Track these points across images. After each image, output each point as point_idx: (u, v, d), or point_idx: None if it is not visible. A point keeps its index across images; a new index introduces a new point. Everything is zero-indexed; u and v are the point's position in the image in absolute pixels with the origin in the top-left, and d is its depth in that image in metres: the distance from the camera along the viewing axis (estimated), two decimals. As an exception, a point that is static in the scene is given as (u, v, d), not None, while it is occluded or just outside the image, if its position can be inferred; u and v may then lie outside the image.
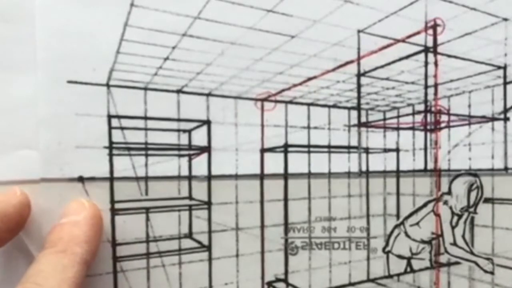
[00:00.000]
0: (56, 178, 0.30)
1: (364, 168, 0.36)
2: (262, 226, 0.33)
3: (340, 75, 0.35)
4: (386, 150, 0.36)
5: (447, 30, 0.37)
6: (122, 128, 0.31)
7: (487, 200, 0.38)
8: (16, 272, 0.29)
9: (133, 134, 0.31)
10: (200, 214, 0.33)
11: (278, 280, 0.34)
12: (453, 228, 0.38)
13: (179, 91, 0.32)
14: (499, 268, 0.38)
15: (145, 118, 0.31)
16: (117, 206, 0.31)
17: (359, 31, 0.35)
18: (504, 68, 0.38)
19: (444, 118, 0.37)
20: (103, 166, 0.31)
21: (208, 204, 0.33)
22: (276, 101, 0.34)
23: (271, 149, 0.34)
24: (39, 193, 0.30)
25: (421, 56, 0.36)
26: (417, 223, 0.37)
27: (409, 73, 0.36)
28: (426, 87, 0.37)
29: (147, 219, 0.32)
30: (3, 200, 0.28)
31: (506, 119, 0.38)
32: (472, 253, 0.37)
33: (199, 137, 0.32)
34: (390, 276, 0.37)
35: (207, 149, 0.32)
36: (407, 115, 0.37)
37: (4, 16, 0.29)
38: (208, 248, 0.33)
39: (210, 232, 0.33)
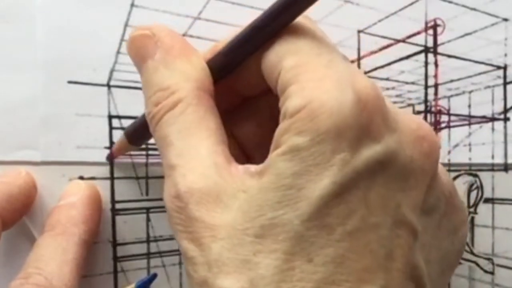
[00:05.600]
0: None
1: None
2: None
3: (340, 75, 0.35)
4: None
5: (447, 30, 0.37)
6: (122, 129, 0.31)
7: (487, 200, 0.38)
8: (19, 256, 0.29)
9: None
10: (201, 214, 0.33)
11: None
12: (453, 228, 0.38)
13: (179, 91, 0.32)
14: (499, 268, 0.38)
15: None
16: (117, 206, 0.31)
17: (359, 31, 0.35)
18: (504, 68, 0.38)
19: (444, 118, 0.37)
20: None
21: (209, 204, 0.32)
22: (276, 101, 0.34)
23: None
24: (41, 177, 0.30)
25: (421, 56, 0.36)
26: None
27: (409, 73, 0.36)
28: (426, 87, 0.37)
29: (148, 219, 0.32)
30: (8, 181, 0.28)
31: (506, 119, 0.38)
32: (472, 253, 0.37)
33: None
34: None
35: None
36: (407, 115, 0.37)
37: (4, 16, 0.29)
38: (209, 248, 0.33)
39: (210, 232, 0.33)
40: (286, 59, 0.20)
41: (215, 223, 0.19)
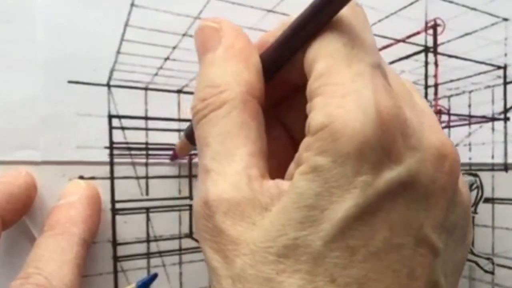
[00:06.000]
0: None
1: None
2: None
3: (340, 75, 0.35)
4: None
5: (447, 30, 0.37)
6: (122, 128, 0.31)
7: (487, 200, 0.38)
8: (19, 256, 0.29)
9: (133, 134, 0.31)
10: (201, 214, 0.33)
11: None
12: (453, 228, 0.38)
13: (179, 91, 0.32)
14: (499, 268, 0.38)
15: (146, 118, 0.31)
16: (117, 206, 0.31)
17: (359, 31, 0.35)
18: (504, 68, 0.38)
19: (444, 118, 0.37)
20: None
21: (209, 204, 0.32)
22: (277, 101, 0.34)
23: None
24: (41, 177, 0.30)
25: (421, 56, 0.36)
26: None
27: (409, 73, 0.36)
28: (426, 87, 0.37)
29: (148, 219, 0.32)
30: (8, 181, 0.28)
31: (506, 119, 0.38)
32: (472, 253, 0.37)
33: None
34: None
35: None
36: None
37: (4, 16, 0.29)
38: (209, 248, 0.33)
39: (210, 232, 0.33)
40: (318, 62, 0.20)
41: (239, 238, 0.19)
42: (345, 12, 0.20)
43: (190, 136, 0.28)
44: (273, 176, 0.21)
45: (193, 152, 0.32)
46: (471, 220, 0.23)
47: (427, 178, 0.19)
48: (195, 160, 0.32)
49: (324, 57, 0.20)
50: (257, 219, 0.19)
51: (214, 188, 0.20)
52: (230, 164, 0.20)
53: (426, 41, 0.36)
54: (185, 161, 0.32)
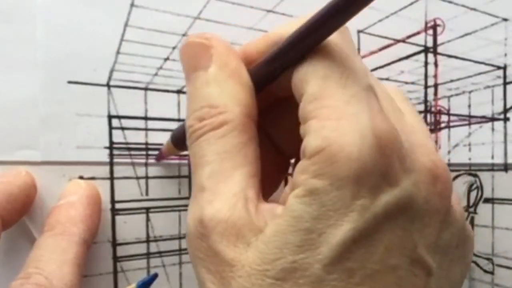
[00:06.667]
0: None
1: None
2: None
3: (340, 75, 0.35)
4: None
5: (447, 30, 0.37)
6: (122, 128, 0.31)
7: (487, 200, 0.38)
8: (19, 256, 0.29)
9: (133, 134, 0.31)
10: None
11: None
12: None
13: (179, 92, 0.32)
14: (499, 268, 0.38)
15: (146, 118, 0.31)
16: (117, 206, 0.31)
17: (359, 31, 0.35)
18: (504, 68, 0.38)
19: (444, 118, 0.37)
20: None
21: (208, 204, 0.32)
22: (276, 101, 0.34)
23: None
24: (41, 177, 0.30)
25: (421, 56, 0.36)
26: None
27: (409, 73, 0.36)
28: (426, 87, 0.37)
29: (148, 219, 0.32)
30: (7, 181, 0.28)
31: (506, 119, 0.38)
32: (472, 253, 0.37)
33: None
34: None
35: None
36: (407, 115, 0.37)
37: (4, 16, 0.29)
38: (208, 248, 0.33)
39: (210, 232, 0.33)
40: (310, 83, 0.20)
41: (235, 259, 0.19)
42: (333, 35, 0.20)
43: (176, 142, 0.27)
44: None
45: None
46: (472, 239, 0.23)
47: (421, 199, 0.19)
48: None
49: (316, 79, 0.19)
50: (252, 241, 0.19)
51: (210, 207, 0.20)
52: (227, 185, 0.20)
53: (426, 41, 0.36)
54: (175, 161, 0.32)
